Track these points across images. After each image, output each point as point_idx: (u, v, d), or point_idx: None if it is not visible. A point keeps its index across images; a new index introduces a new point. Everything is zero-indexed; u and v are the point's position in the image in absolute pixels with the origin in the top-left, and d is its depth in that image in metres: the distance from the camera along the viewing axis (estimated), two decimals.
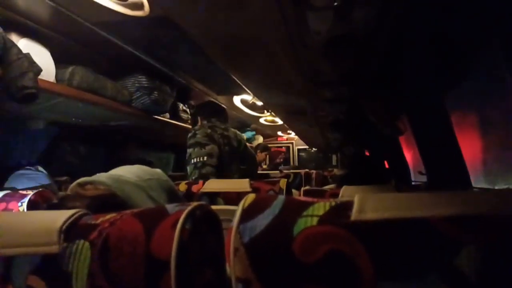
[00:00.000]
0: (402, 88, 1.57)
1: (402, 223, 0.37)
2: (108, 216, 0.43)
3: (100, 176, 0.67)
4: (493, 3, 0.95)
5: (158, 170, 0.79)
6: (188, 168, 1.78)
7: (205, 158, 1.74)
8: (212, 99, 2.89)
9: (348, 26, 1.05)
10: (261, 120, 4.29)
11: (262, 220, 0.41)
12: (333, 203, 0.41)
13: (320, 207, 0.40)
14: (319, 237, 0.38)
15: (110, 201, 0.63)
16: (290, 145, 7.21)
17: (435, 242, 0.35)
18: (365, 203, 0.39)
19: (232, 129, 2.04)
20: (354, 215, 0.38)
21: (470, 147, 1.39)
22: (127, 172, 0.71)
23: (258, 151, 4.57)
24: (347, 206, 0.40)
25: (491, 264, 0.34)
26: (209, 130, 1.86)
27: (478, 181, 1.40)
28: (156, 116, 2.55)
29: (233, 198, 1.29)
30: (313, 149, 7.20)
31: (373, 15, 0.98)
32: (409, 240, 0.36)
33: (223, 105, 2.30)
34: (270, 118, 4.17)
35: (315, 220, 0.39)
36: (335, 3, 0.92)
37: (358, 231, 0.37)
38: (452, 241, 0.35)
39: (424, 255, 0.35)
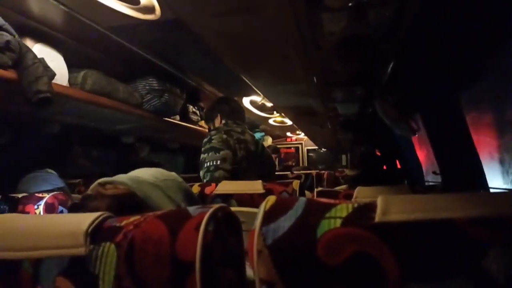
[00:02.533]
0: (416, 88, 1.55)
1: (428, 224, 0.36)
2: (132, 219, 0.44)
3: (120, 177, 0.69)
4: (508, 4, 0.94)
5: (173, 173, 0.82)
6: (201, 172, 1.78)
7: (219, 162, 1.74)
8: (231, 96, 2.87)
9: (362, 27, 1.04)
10: (270, 121, 4.28)
11: (285, 222, 0.41)
12: (356, 205, 0.41)
13: (343, 209, 0.40)
14: (343, 239, 0.38)
15: (129, 200, 0.65)
16: (299, 145, 7.20)
17: (462, 244, 0.35)
18: (389, 205, 0.39)
19: (249, 132, 2.02)
20: (378, 216, 0.38)
21: (486, 147, 1.37)
22: (144, 173, 0.74)
23: None
24: (370, 207, 0.40)
25: None
26: (225, 136, 1.84)
27: (494, 182, 1.38)
28: (166, 118, 2.56)
29: (247, 200, 1.29)
30: (323, 149, 7.18)
31: (387, 16, 0.97)
32: (435, 242, 0.36)
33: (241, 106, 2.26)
34: (279, 119, 4.17)
35: (338, 222, 0.39)
36: (350, 4, 0.92)
37: (382, 232, 0.37)
38: (479, 243, 0.35)
39: (450, 257, 0.35)
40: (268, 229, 0.40)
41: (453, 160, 1.49)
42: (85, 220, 0.43)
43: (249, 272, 0.45)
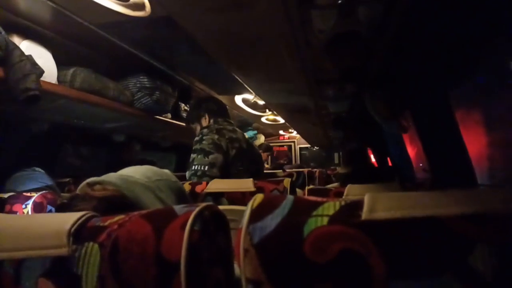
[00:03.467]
0: (406, 85, 1.56)
1: (414, 222, 0.36)
2: (116, 218, 0.43)
3: (110, 176, 0.67)
4: (498, 2, 0.95)
5: (167, 171, 0.78)
6: (187, 173, 1.75)
7: (206, 167, 1.71)
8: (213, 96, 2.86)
9: (352, 23, 1.04)
10: (263, 119, 4.28)
11: (272, 220, 0.40)
12: (343, 203, 0.41)
13: (330, 207, 0.40)
14: (330, 237, 0.38)
15: (118, 201, 0.62)
16: (292, 143, 7.22)
17: (448, 241, 0.35)
18: (376, 202, 0.38)
19: (239, 130, 2.00)
20: (365, 214, 0.38)
21: (475, 144, 1.38)
22: (136, 172, 0.71)
23: (260, 151, 4.57)
24: (357, 205, 0.40)
25: (506, 262, 0.34)
26: (216, 136, 1.80)
27: (483, 179, 1.39)
28: (157, 116, 2.55)
29: (238, 198, 1.29)
30: (315, 147, 7.21)
31: (377, 12, 0.98)
32: (421, 239, 0.36)
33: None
34: (271, 117, 4.17)
35: (325, 220, 0.39)
36: (339, 1, 0.92)
37: (369, 230, 0.37)
38: (466, 240, 0.35)
39: (437, 254, 0.35)
40: (255, 227, 0.40)
41: (443, 157, 1.50)
42: (68, 219, 0.42)
43: (238, 271, 0.44)
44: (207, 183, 1.36)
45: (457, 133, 1.38)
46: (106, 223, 0.42)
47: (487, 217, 0.36)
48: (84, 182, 0.66)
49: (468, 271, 0.34)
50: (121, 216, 0.43)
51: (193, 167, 1.73)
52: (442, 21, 1.11)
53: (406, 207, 0.37)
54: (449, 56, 1.25)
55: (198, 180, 1.66)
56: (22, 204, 1.43)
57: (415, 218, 0.36)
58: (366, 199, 0.39)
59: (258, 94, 2.55)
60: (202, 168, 1.70)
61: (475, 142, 1.38)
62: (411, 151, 2.38)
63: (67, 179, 2.41)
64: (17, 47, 1.49)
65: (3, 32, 1.43)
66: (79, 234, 0.41)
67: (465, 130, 1.40)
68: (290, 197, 0.43)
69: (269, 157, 5.43)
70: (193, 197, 1.32)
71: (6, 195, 1.50)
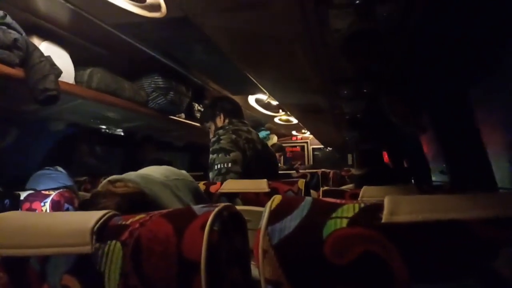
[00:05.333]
0: (424, 85, 1.53)
1: (437, 225, 0.36)
2: (137, 217, 0.44)
3: (130, 175, 0.69)
4: None
5: (184, 172, 0.82)
6: (211, 174, 1.73)
7: (230, 164, 1.68)
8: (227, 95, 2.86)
9: (370, 23, 1.03)
10: (276, 120, 4.28)
11: (291, 222, 0.40)
12: (362, 205, 0.41)
13: (350, 209, 0.40)
14: (350, 239, 0.37)
15: (139, 199, 0.64)
16: (305, 144, 7.18)
17: (472, 245, 0.35)
18: (396, 205, 0.38)
19: (253, 130, 1.98)
20: (385, 217, 0.38)
21: (496, 145, 1.35)
22: (154, 172, 0.74)
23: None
24: (377, 207, 0.39)
25: None
26: (233, 136, 1.78)
27: (503, 181, 1.36)
28: (171, 117, 2.56)
29: (252, 198, 1.29)
30: (328, 148, 7.16)
31: (396, 11, 0.96)
32: (444, 242, 0.35)
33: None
34: (284, 117, 4.16)
35: (344, 222, 0.39)
36: (357, 1, 0.91)
37: (390, 233, 0.37)
38: (490, 244, 0.34)
39: (460, 258, 0.35)
40: (274, 228, 0.40)
41: (461, 159, 1.47)
42: (91, 218, 0.43)
43: (255, 271, 0.44)
44: (221, 183, 1.36)
45: (476, 134, 1.35)
46: (128, 222, 0.43)
47: (511, 220, 0.35)
48: (106, 180, 0.68)
49: (492, 275, 0.34)
50: (142, 215, 0.44)
51: (216, 166, 1.70)
52: (462, 19, 1.09)
53: (428, 211, 0.37)
54: (468, 54, 1.22)
55: (224, 178, 1.63)
56: (41, 202, 1.47)
57: (437, 222, 0.36)
58: (386, 201, 0.39)
59: (272, 94, 2.55)
60: (226, 166, 1.68)
61: (494, 143, 1.35)
62: (427, 152, 2.34)
63: (83, 178, 2.45)
64: (37, 48, 1.52)
65: (23, 34, 1.47)
66: (102, 232, 0.42)
67: (485, 130, 1.36)
68: (308, 199, 0.43)
69: (282, 157, 5.42)
70: (207, 197, 1.32)
71: (25, 193, 1.54)
